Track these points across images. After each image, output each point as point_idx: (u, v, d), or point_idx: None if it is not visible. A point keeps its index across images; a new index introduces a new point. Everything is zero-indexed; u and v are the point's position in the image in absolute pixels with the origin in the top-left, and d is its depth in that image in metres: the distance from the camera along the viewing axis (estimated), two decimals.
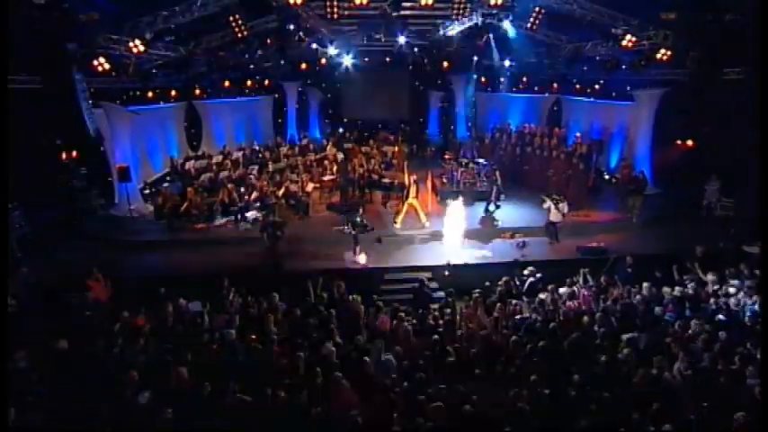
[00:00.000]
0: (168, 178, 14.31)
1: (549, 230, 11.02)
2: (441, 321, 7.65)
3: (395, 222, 11.74)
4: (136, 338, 6.83)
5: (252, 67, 14.09)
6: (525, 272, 8.88)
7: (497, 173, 12.65)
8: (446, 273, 8.97)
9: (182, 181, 13.61)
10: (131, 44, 9.00)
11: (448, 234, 10.22)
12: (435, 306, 8.70)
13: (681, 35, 11.27)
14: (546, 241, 11.08)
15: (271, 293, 8.03)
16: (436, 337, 6.85)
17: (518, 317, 7.58)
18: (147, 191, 13.85)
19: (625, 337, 7.03)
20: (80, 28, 8.23)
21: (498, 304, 7.83)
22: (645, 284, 8.37)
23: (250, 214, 12.28)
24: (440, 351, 6.54)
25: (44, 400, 5.55)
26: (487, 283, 9.16)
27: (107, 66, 9.42)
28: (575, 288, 8.51)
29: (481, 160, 14.10)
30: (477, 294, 8.06)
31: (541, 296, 8.40)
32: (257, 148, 16.36)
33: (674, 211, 12.22)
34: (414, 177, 11.59)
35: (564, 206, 10.82)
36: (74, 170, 12.63)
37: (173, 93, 14.62)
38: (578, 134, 14.94)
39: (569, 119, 17.33)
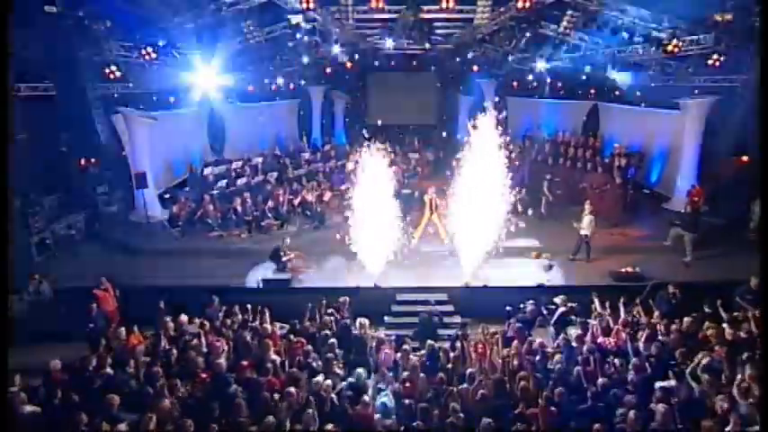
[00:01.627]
0: (188, 185, 14.20)
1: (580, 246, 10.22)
2: (451, 356, 6.96)
3: (412, 237, 11.07)
4: (127, 360, 6.53)
5: (271, 69, 13.74)
6: (557, 300, 8.05)
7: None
8: (433, 311, 8.27)
9: (200, 187, 13.49)
10: (144, 51, 8.80)
11: (467, 252, 9.48)
12: (449, 333, 8.08)
13: (737, 38, 10.08)
14: (575, 264, 10.15)
15: (272, 315, 7.66)
16: (441, 375, 6.19)
17: (537, 357, 6.78)
18: (167, 196, 13.79)
19: (659, 385, 6.12)
20: (92, 36, 8.11)
21: (515, 342, 7.03)
22: (686, 319, 7.39)
23: (265, 223, 12.00)
24: (444, 394, 5.87)
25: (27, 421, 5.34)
26: (509, 308, 8.42)
27: (118, 73, 9.30)
28: (608, 319, 7.59)
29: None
30: (491, 331, 7.30)
31: (570, 331, 7.57)
32: (279, 153, 16.08)
33: (723, 233, 10.98)
34: (432, 189, 10.91)
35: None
36: (96, 176, 12.76)
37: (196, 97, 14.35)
38: (617, 145, 13.88)
39: (607, 128, 16.18)
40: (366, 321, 7.63)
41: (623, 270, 9.61)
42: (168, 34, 9.25)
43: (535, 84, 17.20)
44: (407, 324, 8.78)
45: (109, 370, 6.38)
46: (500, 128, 17.30)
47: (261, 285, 9.50)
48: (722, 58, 10.52)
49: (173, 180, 14.66)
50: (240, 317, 7.92)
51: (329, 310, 7.83)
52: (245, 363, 6.58)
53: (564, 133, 15.38)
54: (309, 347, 6.94)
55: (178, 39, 9.35)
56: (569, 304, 7.93)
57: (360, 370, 6.45)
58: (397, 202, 12.39)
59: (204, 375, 6.18)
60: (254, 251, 10.87)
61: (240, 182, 13.58)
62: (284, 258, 9.95)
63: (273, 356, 6.79)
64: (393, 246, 9.42)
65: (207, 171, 13.68)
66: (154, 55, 8.84)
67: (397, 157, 16.30)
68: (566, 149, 14.23)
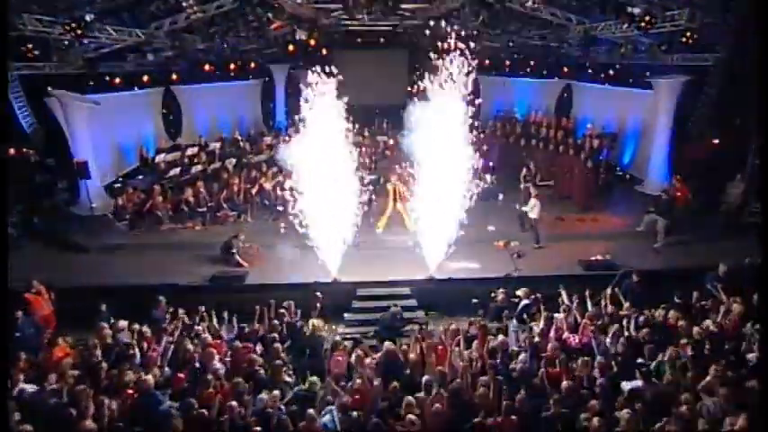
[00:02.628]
0: (141, 174, 13.33)
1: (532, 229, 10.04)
2: (411, 357, 6.50)
3: (376, 227, 10.62)
4: (46, 375, 5.84)
5: (225, 47, 12.77)
6: (519, 292, 7.67)
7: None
8: (393, 312, 7.80)
9: (151, 176, 12.62)
10: (67, 27, 7.80)
11: (431, 243, 8.98)
12: (412, 328, 7.67)
13: (712, 11, 9.59)
14: (542, 252, 9.78)
15: (220, 319, 7.16)
16: (396, 384, 5.71)
17: (499, 357, 6.36)
18: (118, 185, 12.87)
19: (627, 386, 5.78)
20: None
21: (475, 342, 6.59)
22: (658, 312, 7.09)
23: (221, 214, 11.29)
24: (397, 404, 5.40)
25: None
26: (475, 301, 8.03)
27: (36, 51, 8.26)
28: (575, 314, 7.23)
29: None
30: (452, 328, 6.85)
31: (534, 326, 7.19)
32: (239, 137, 15.19)
33: (694, 218, 10.69)
34: (395, 177, 10.34)
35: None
36: (36, 165, 11.74)
37: (145, 78, 13.35)
38: (590, 125, 13.61)
39: (580, 108, 15.85)
40: (320, 323, 7.11)
41: (593, 258, 9.27)
42: (96, 8, 8.26)
43: (507, 62, 16.58)
44: (369, 321, 8.37)
45: (27, 386, 5.70)
46: (471, 108, 16.62)
47: (211, 282, 8.85)
48: (695, 36, 10.06)
49: (124, 168, 13.77)
50: (184, 320, 7.27)
51: (280, 310, 7.25)
52: (181, 375, 6.00)
53: (537, 113, 14.98)
54: (255, 355, 6.37)
55: (108, 13, 8.37)
56: (533, 296, 7.56)
57: (313, 378, 5.94)
58: (361, 188, 12.16)
59: (131, 391, 5.56)
60: (209, 245, 10.14)
61: (195, 170, 12.77)
62: (234, 252, 9.31)
63: (217, 365, 6.24)
64: (353, 237, 8.91)
65: (158, 158, 12.80)
66: (79, 31, 7.84)
67: (365, 140, 15.66)
68: (537, 130, 13.81)
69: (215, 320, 7.29)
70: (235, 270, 9.13)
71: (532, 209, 10.00)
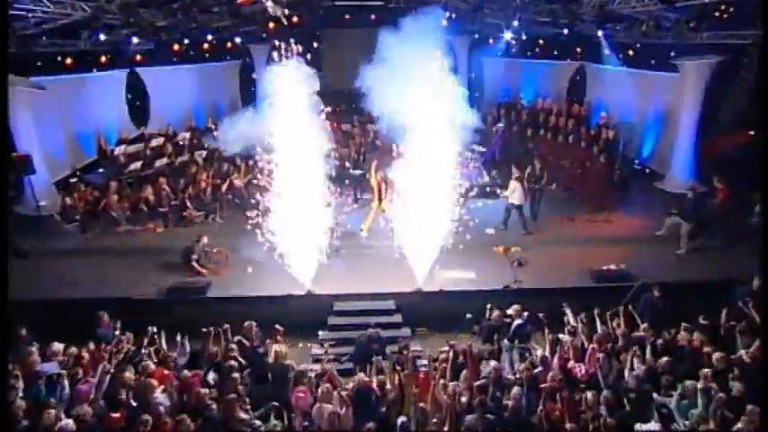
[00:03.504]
0: (102, 167, 12.79)
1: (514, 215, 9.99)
2: (388, 389, 5.93)
3: (360, 229, 10.08)
4: None
5: (194, 27, 12.10)
6: (510, 311, 7.12)
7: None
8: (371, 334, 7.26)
9: (112, 170, 12.04)
10: None
11: (419, 250, 8.41)
12: (392, 351, 7.09)
13: None
14: (547, 261, 9.23)
15: (173, 340, 6.66)
16: (371, 426, 5.15)
17: (491, 391, 5.78)
18: (73, 180, 12.28)
19: (641, 429, 5.22)
20: None
21: (464, 372, 6.02)
22: (681, 335, 6.51)
23: (187, 214, 10.80)
24: None
25: None
26: (469, 315, 7.52)
27: None
28: (581, 337, 6.65)
29: (477, 147, 12.17)
30: (442, 352, 6.30)
31: (535, 350, 6.65)
32: (212, 126, 14.57)
33: (722, 220, 10.01)
34: (381, 174, 9.73)
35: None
36: None
37: (102, 59, 12.73)
38: (604, 113, 13.03)
39: (594, 93, 15.17)
40: (284, 349, 6.56)
41: (605, 267, 8.71)
42: None
43: (513, 41, 15.83)
44: (347, 340, 7.82)
45: None
46: (476, 93, 16.15)
47: (167, 295, 8.33)
48: (730, 10, 9.30)
49: (82, 161, 13.20)
50: (129, 342, 6.75)
51: (237, 338, 6.71)
52: (116, 414, 5.45)
53: (545, 99, 14.44)
54: (205, 389, 5.81)
55: None
56: (525, 314, 7.03)
57: (274, 422, 5.39)
58: (345, 184, 11.65)
59: None
60: (172, 249, 9.61)
61: (160, 163, 12.21)
62: (194, 259, 8.79)
63: (160, 398, 5.69)
64: (331, 242, 8.41)
65: (118, 150, 12.20)
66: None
67: (354, 129, 15.04)
68: (545, 118, 13.27)
69: (164, 342, 6.77)
70: (195, 281, 8.61)
71: (513, 193, 9.79)
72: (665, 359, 5.98)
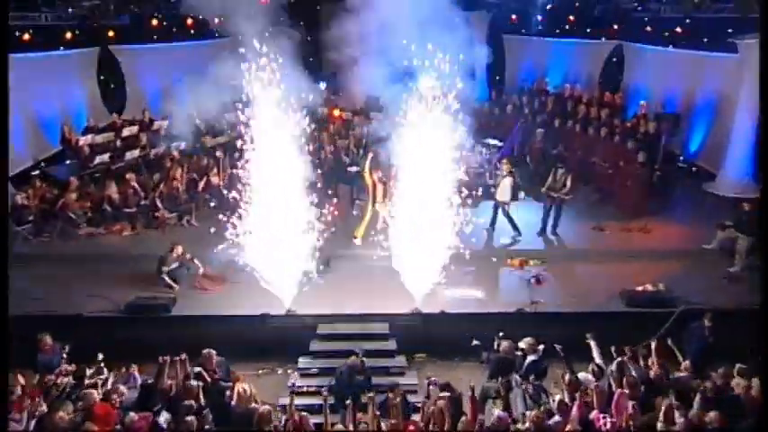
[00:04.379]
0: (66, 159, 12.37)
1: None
2: None
3: (354, 236, 9.65)
4: None
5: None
6: (522, 344, 6.55)
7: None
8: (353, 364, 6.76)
9: (77, 163, 11.69)
10: None
11: (418, 263, 7.89)
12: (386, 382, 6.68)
13: None
14: (574, 277, 8.71)
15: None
16: None
17: None
18: (36, 173, 11.93)
19: None
20: None
21: (464, 418, 5.45)
22: (736, 381, 5.84)
23: (159, 215, 10.39)
24: None
25: None
26: (476, 343, 6.96)
27: None
28: (609, 379, 6.03)
29: (492, 141, 11.68)
30: (440, 398, 5.74)
31: (551, 395, 6.05)
32: (194, 113, 14.07)
33: None
34: (379, 174, 9.30)
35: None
36: None
37: (68, 35, 12.38)
38: (643, 102, 12.39)
39: (633, 78, 14.48)
40: (248, 388, 6.05)
41: (640, 288, 8.16)
42: None
43: (539, 17, 15.19)
44: (331, 369, 7.26)
45: None
46: (496, 77, 15.53)
47: (125, 312, 7.94)
48: None
49: (48, 151, 12.85)
50: (69, 373, 6.30)
51: (197, 369, 6.22)
52: None
53: (575, 85, 13.81)
54: None
55: None
56: (540, 347, 6.47)
57: None
58: (339, 185, 11.39)
59: None
60: (139, 257, 9.31)
61: (131, 155, 11.81)
62: (165, 271, 8.42)
63: None
64: (317, 253, 8.01)
65: (83, 140, 11.80)
66: None
67: (356, 117, 14.46)
68: (575, 108, 12.70)
69: (109, 373, 6.33)
70: (157, 296, 8.21)
71: (503, 191, 9.49)
72: (713, 413, 5.28)
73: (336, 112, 14.85)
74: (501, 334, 6.73)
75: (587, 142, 11.80)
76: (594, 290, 8.39)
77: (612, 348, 6.34)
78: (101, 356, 6.39)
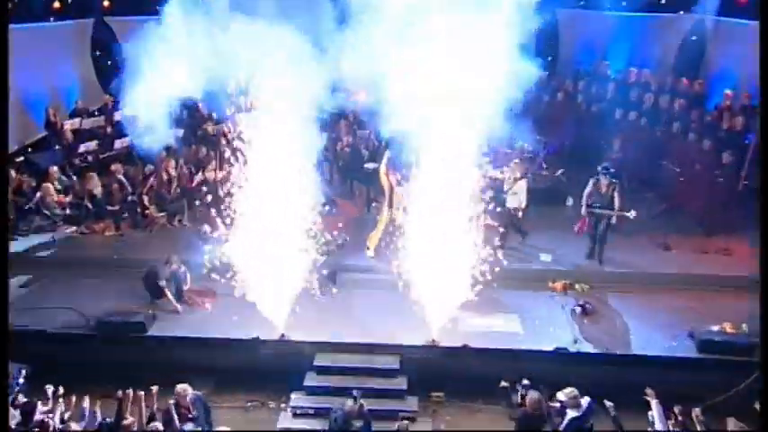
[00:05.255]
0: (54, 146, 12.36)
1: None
2: None
3: (366, 247, 9.33)
4: None
5: None
6: (561, 396, 5.98)
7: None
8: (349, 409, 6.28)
9: (62, 150, 11.75)
10: None
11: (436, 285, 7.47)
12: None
13: None
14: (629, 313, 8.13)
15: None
16: None
17: None
18: (19, 159, 11.97)
19: None
20: None
21: None
22: None
23: (148, 214, 10.38)
24: None
25: None
26: (505, 384, 6.46)
27: None
28: None
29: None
30: None
31: None
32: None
33: None
34: (397, 176, 8.88)
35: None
36: None
37: (56, 4, 12.58)
38: (729, 92, 11.60)
39: (717, 61, 13.58)
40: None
41: (716, 328, 7.57)
42: None
43: None
44: (328, 409, 6.79)
45: None
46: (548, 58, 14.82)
47: (96, 331, 7.76)
48: None
49: (33, 136, 12.93)
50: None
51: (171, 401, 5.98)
52: None
53: (641, 69, 12.99)
54: None
55: None
56: (583, 399, 5.87)
57: None
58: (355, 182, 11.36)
59: None
60: (121, 263, 9.31)
61: (121, 144, 11.75)
62: (164, 286, 8.20)
63: None
64: (320, 268, 7.80)
65: (68, 124, 11.88)
66: None
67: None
68: (640, 96, 12.08)
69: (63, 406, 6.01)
70: (132, 312, 8.01)
71: (514, 195, 9.07)
72: None
73: (363, 96, 14.61)
74: (525, 382, 6.20)
75: (655, 140, 11.14)
76: (656, 327, 7.87)
77: (677, 409, 5.71)
78: (50, 389, 6.06)
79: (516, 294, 8.38)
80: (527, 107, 12.02)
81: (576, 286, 8.59)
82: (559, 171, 11.07)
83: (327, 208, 7.94)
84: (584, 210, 8.89)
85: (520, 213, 9.19)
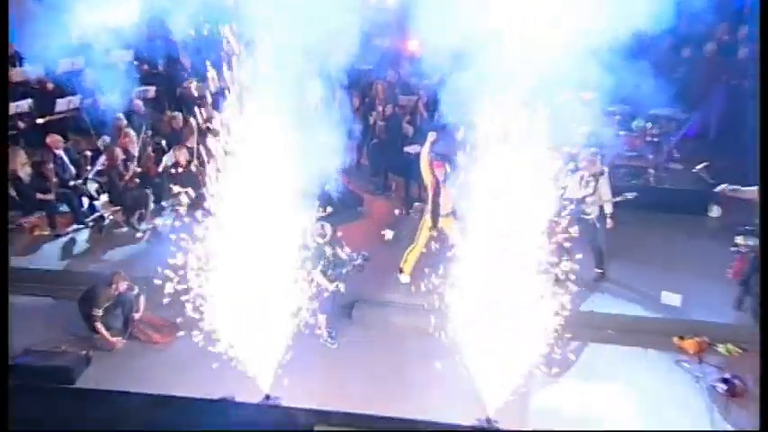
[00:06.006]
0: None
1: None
2: None
3: (400, 270, 9.47)
4: None
5: None
6: None
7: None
8: None
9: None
10: None
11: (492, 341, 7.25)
12: None
13: None
14: None
15: None
16: None
17: None
18: None
19: None
20: None
21: None
22: None
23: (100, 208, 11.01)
24: None
25: None
26: None
27: None
28: None
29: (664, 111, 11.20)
30: None
31: None
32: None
33: None
34: (445, 169, 8.94)
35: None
36: None
37: None
38: None
39: None
40: None
41: None
42: None
43: None
44: None
45: None
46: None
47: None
48: None
49: None
50: None
51: None
52: None
53: None
54: None
55: None
56: None
57: None
58: (387, 175, 11.78)
59: None
60: (53, 276, 9.84)
61: (67, 105, 12.18)
62: (96, 316, 8.39)
63: None
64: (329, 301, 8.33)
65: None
66: None
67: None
68: None
69: None
70: (54, 353, 8.14)
71: (590, 198, 9.12)
72: None
73: (413, 44, 14.60)
74: None
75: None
76: None
77: None
78: None
79: (619, 354, 8.35)
80: (655, 65, 11.90)
81: (720, 348, 8.32)
82: (700, 165, 10.71)
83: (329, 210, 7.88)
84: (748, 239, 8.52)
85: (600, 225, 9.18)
